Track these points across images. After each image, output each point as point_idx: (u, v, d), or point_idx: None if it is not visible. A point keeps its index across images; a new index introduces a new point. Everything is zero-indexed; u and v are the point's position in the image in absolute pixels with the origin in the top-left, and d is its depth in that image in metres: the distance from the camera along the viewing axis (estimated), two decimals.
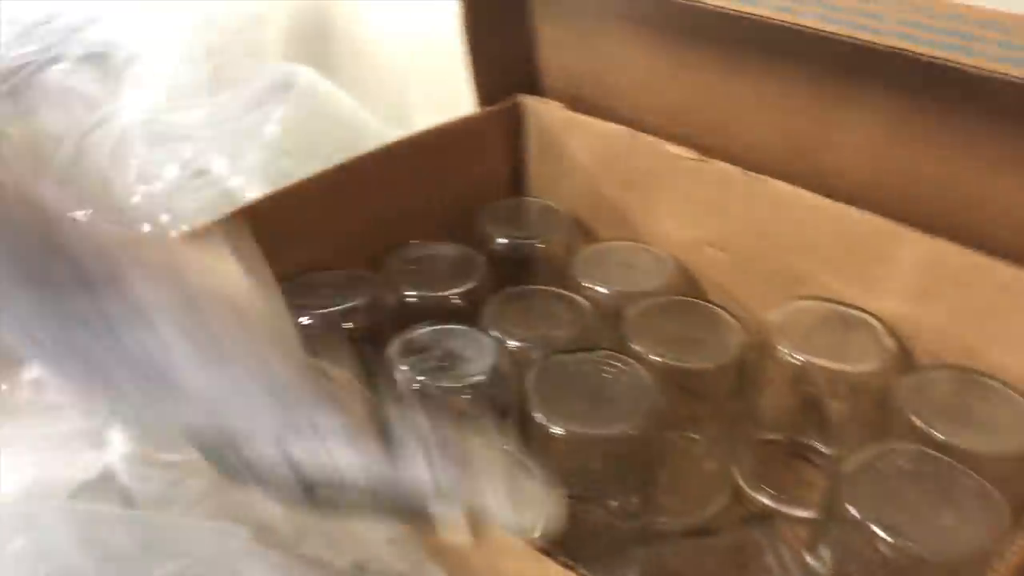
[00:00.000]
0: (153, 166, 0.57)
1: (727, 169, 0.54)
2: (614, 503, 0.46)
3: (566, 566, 0.29)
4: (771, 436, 0.52)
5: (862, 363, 0.47)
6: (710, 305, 0.52)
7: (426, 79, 0.77)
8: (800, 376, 0.48)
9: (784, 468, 0.52)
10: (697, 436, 0.51)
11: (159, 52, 0.66)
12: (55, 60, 0.68)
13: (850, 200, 0.49)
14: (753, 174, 0.52)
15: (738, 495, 0.54)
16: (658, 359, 0.47)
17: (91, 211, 0.54)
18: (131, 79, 0.66)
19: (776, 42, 0.48)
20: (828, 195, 0.50)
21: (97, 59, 0.69)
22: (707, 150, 0.55)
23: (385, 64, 0.80)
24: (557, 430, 0.42)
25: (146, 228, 0.52)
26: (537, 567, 0.29)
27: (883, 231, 0.48)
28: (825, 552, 0.40)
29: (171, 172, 0.56)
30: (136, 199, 0.54)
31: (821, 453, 0.51)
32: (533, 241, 0.59)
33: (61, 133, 0.64)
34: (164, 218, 0.53)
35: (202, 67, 0.65)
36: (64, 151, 0.60)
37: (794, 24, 0.42)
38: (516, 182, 0.65)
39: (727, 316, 0.51)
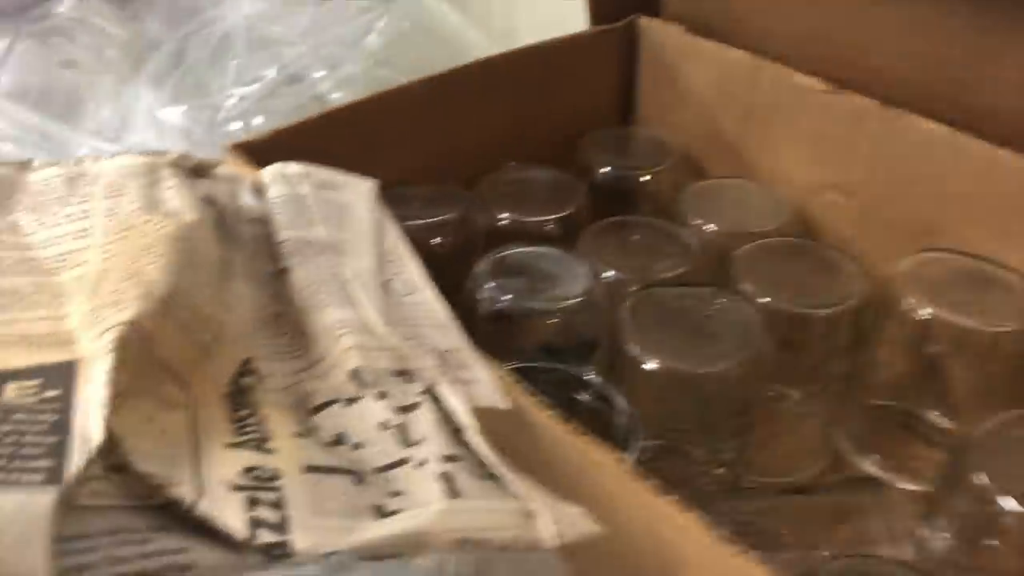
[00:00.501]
0: (251, 70, 0.56)
1: (862, 103, 0.48)
2: (700, 453, 0.42)
3: (659, 490, 0.26)
4: (881, 401, 0.48)
5: (998, 323, 0.42)
6: (830, 250, 0.47)
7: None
8: (925, 334, 0.43)
9: (892, 439, 0.47)
10: (795, 392, 0.47)
11: None
12: None
13: (1003, 142, 0.44)
14: (892, 109, 0.47)
15: (837, 460, 0.50)
16: (767, 300, 0.43)
17: (185, 109, 0.54)
18: None
19: None
20: (977, 136, 0.44)
21: None
22: (840, 82, 0.50)
23: None
24: (650, 364, 0.39)
25: (238, 127, 0.51)
26: (628, 488, 0.26)
27: None
28: (942, 523, 0.35)
29: (269, 76, 0.55)
30: (232, 100, 0.53)
31: (936, 427, 0.46)
32: (638, 172, 0.55)
33: (163, 38, 0.64)
34: (257, 120, 0.52)
35: None
36: (163, 52, 0.59)
37: None
38: (624, 109, 0.61)
39: (847, 263, 0.46)
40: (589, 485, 0.28)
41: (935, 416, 0.46)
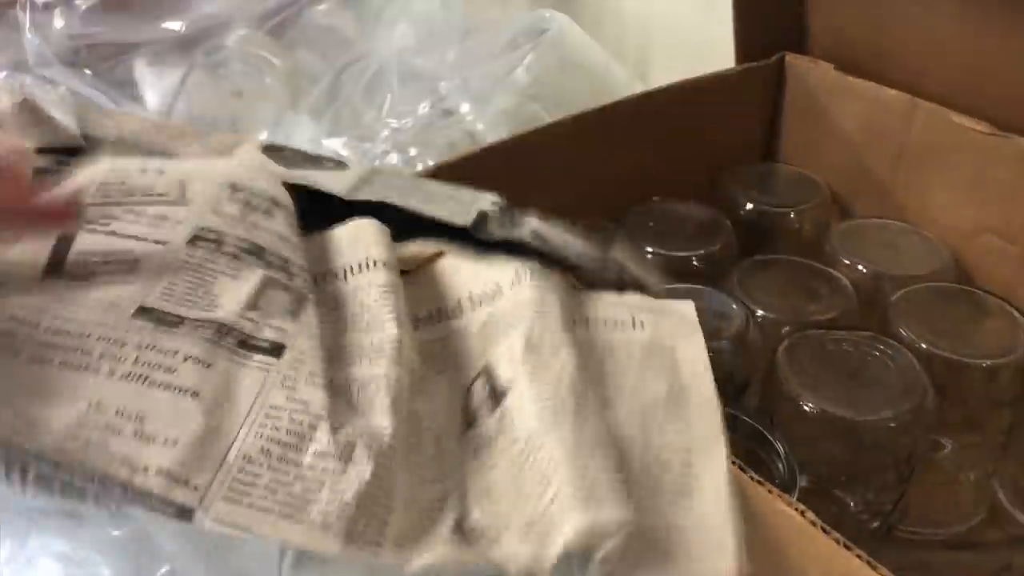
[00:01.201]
0: (403, 103, 0.58)
1: None
2: (855, 500, 0.42)
3: (842, 544, 0.25)
4: None
5: None
6: (991, 297, 0.46)
7: (669, 33, 0.74)
8: None
9: None
10: (948, 442, 0.46)
11: None
12: (318, 0, 0.71)
13: None
14: None
15: (995, 514, 0.48)
16: (926, 347, 0.42)
17: (345, 140, 0.56)
18: (387, 21, 0.68)
19: None
20: None
21: (355, 1, 0.71)
22: (1003, 123, 0.48)
23: (629, 16, 0.78)
24: (810, 409, 0.39)
25: (395, 159, 0.53)
26: (812, 541, 0.26)
27: None
28: None
29: (421, 109, 0.57)
30: (386, 132, 0.56)
31: None
32: (784, 210, 0.55)
33: (317, 70, 0.67)
34: (412, 151, 0.53)
35: (456, 11, 0.66)
36: (321, 85, 0.62)
37: None
38: (770, 146, 0.61)
39: (1011, 310, 0.45)
40: (769, 532, 0.28)
41: None
